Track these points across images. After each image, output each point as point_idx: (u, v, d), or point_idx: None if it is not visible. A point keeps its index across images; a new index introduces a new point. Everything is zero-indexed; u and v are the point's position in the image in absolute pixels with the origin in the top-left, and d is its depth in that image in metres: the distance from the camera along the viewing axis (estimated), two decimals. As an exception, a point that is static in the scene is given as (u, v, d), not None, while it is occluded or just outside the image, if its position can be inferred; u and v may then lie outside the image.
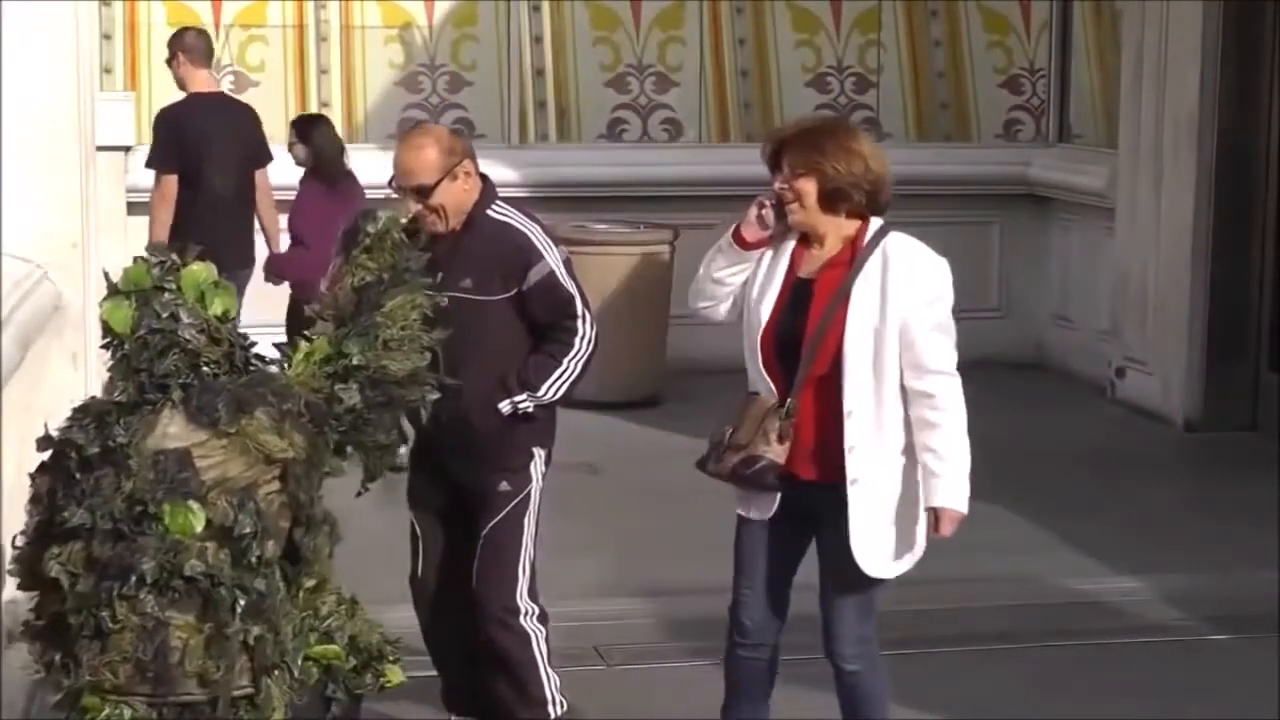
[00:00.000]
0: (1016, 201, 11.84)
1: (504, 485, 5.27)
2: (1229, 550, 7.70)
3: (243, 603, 4.13)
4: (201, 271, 4.30)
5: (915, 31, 11.92)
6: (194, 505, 4.10)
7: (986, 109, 12.02)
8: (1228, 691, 6.15)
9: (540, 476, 5.35)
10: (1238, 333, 10.03)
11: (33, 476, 4.26)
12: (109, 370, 4.30)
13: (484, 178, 5.32)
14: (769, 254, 4.85)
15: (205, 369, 4.21)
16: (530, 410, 5.25)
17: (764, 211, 4.78)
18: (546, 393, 5.23)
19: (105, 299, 4.27)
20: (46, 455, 4.23)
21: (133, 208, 10.19)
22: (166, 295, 4.23)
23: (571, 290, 5.27)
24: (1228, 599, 7.02)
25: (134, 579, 4.05)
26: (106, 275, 4.32)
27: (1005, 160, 11.85)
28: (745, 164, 11.16)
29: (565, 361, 5.24)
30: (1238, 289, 9.99)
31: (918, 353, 4.69)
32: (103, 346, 4.33)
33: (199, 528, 4.11)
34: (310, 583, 4.40)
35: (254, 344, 4.39)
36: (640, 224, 10.77)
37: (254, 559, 4.15)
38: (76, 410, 4.24)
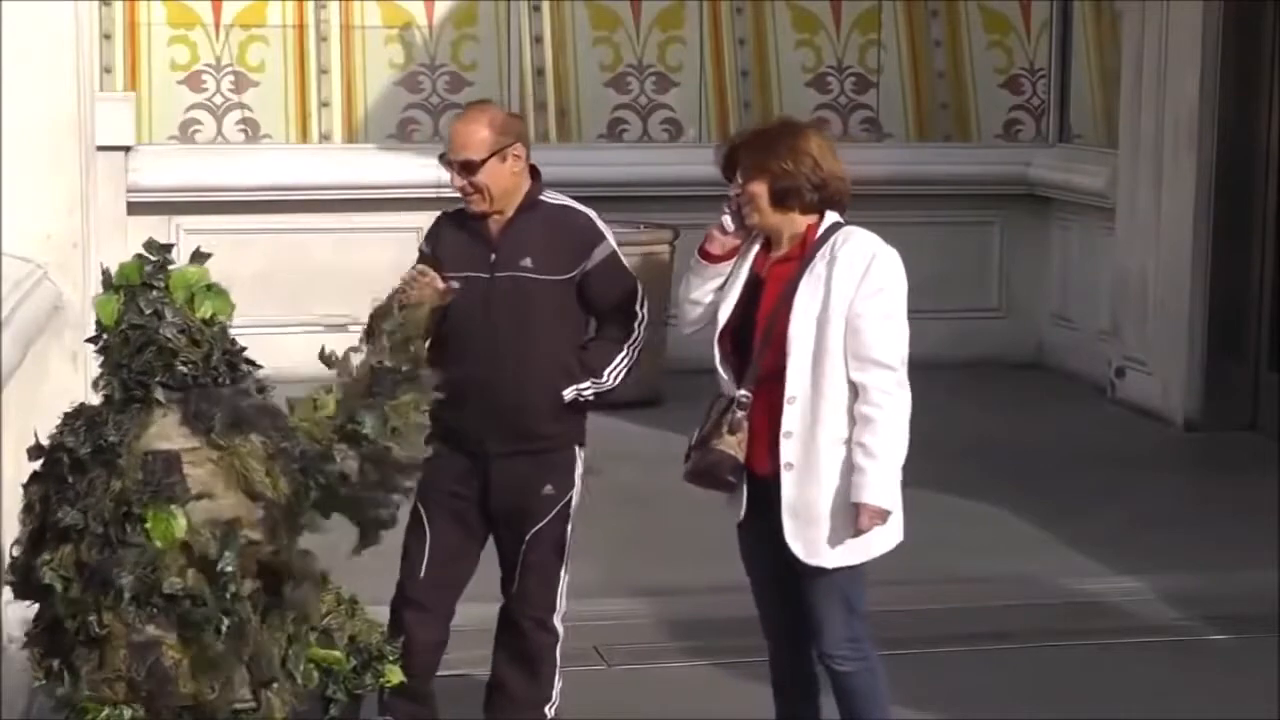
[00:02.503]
0: (1016, 201, 11.83)
1: (548, 489, 5.23)
2: (1229, 550, 7.69)
3: (226, 623, 4.09)
4: (194, 273, 4.28)
5: (915, 31, 11.92)
6: (176, 511, 4.07)
7: (986, 109, 12.01)
8: (1228, 691, 6.15)
9: (580, 479, 5.32)
10: (1238, 333, 10.03)
11: (25, 487, 4.25)
12: (99, 366, 4.29)
13: (534, 169, 5.32)
14: (737, 259, 4.93)
15: (182, 369, 4.20)
16: (592, 399, 5.23)
17: (724, 218, 4.87)
18: (608, 379, 5.23)
19: (99, 293, 4.28)
20: (38, 464, 4.22)
21: (133, 208, 10.24)
22: (153, 293, 4.22)
23: (633, 272, 5.28)
24: (1228, 599, 7.02)
25: (113, 593, 4.03)
26: (105, 272, 4.32)
27: (1005, 160, 11.84)
28: (745, 164, 11.27)
29: (626, 347, 5.26)
30: (1238, 289, 9.99)
31: (861, 341, 4.72)
32: (87, 340, 4.33)
33: (179, 534, 4.07)
34: (294, 627, 4.34)
35: (243, 349, 4.35)
36: (640, 224, 10.76)
37: (230, 594, 4.12)
38: (67, 415, 4.23)
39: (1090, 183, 11.17)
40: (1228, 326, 10.03)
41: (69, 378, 5.56)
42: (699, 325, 5.02)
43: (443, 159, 5.24)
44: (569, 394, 5.18)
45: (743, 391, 4.81)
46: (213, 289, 4.29)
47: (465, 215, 5.27)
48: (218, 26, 11.09)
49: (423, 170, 10.65)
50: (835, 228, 4.84)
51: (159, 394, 4.15)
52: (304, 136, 11.20)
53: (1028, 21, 11.99)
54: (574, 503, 5.31)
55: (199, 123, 11.06)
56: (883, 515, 4.74)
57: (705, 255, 4.93)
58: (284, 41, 11.19)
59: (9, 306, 4.92)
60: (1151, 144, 10.28)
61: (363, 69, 11.28)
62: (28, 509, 4.22)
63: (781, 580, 4.94)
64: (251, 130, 11.13)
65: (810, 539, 4.78)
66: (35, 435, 4.24)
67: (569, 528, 5.31)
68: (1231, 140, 9.92)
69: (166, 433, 4.13)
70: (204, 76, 11.08)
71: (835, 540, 4.77)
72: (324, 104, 11.20)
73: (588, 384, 5.20)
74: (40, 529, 4.18)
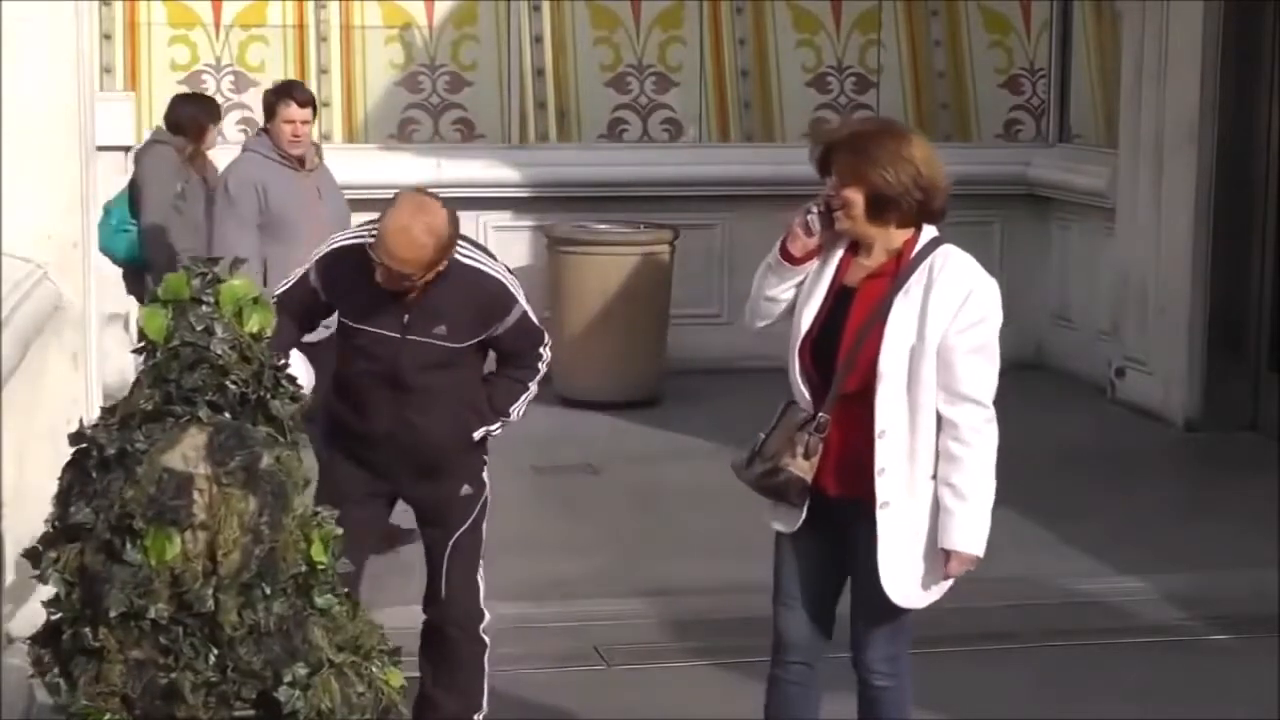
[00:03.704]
0: (1016, 201, 11.84)
1: (466, 489, 5.36)
2: (1229, 550, 7.70)
3: (215, 654, 4.06)
4: (241, 287, 4.23)
5: (915, 31, 11.92)
6: (174, 534, 4.03)
7: (986, 109, 12.02)
8: (1228, 691, 6.15)
9: (488, 480, 5.44)
10: (1238, 333, 10.03)
11: (61, 472, 4.23)
12: (140, 375, 4.25)
13: None
14: (819, 259, 4.66)
15: (232, 387, 4.16)
16: (498, 433, 5.38)
17: (810, 217, 4.58)
18: (514, 415, 5.39)
19: (145, 305, 4.25)
20: (72, 453, 4.20)
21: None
22: (204, 308, 4.18)
23: (539, 323, 5.38)
24: (1228, 599, 7.03)
25: (102, 610, 4.01)
26: (151, 286, 4.29)
27: (1005, 160, 11.84)
28: (745, 164, 11.30)
29: (531, 384, 5.39)
30: (1238, 289, 9.99)
31: (952, 375, 4.49)
32: (134, 351, 4.29)
33: (169, 558, 4.02)
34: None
35: (285, 364, 4.32)
36: (640, 224, 10.77)
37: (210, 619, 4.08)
38: (105, 410, 4.21)
39: (1090, 183, 11.17)
40: (1228, 326, 10.04)
41: (69, 378, 5.55)
42: (773, 322, 4.75)
43: (371, 250, 5.02)
44: (479, 434, 5.34)
45: (823, 415, 4.56)
46: (258, 301, 4.24)
47: (368, 259, 5.09)
48: (218, 26, 11.10)
49: (423, 170, 10.67)
50: (932, 245, 4.57)
51: (203, 413, 4.11)
52: (304, 136, 11.19)
53: (1028, 21, 12.00)
54: (489, 507, 5.43)
55: (199, 123, 11.05)
56: (973, 562, 4.61)
57: (787, 257, 4.64)
58: (284, 41, 11.20)
59: (9, 306, 4.91)
60: (1151, 144, 10.29)
61: (363, 69, 11.29)
62: (56, 496, 4.19)
63: (820, 595, 4.81)
64: (252, 130, 11.11)
65: (904, 582, 4.62)
66: (80, 422, 4.22)
67: (484, 532, 5.44)
68: (1231, 141, 9.92)
69: (188, 453, 4.09)
70: (204, 76, 11.09)
71: (926, 582, 4.66)
72: (324, 104, 11.19)
73: (497, 424, 5.36)
74: (58, 520, 4.16)
